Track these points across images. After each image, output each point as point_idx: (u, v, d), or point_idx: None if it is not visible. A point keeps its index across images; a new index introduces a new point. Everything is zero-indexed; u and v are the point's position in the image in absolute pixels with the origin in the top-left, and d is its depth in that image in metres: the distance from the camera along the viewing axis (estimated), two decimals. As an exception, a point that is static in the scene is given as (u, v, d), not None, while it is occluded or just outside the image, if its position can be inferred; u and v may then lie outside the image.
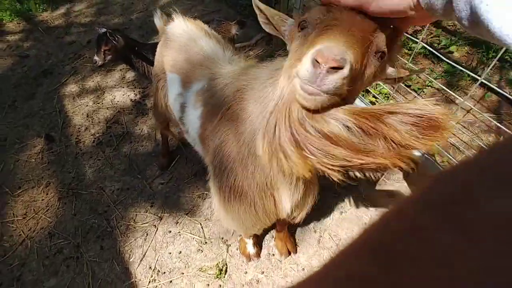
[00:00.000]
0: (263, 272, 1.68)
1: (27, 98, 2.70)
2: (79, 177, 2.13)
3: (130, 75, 2.78)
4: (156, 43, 2.05)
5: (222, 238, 1.80)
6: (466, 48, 2.59)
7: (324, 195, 1.94)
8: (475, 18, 0.47)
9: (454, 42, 2.59)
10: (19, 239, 1.88)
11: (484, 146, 1.90)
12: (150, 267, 1.72)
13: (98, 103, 2.60)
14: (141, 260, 1.75)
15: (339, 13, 0.64)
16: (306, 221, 1.83)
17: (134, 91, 2.64)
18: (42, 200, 2.04)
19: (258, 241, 1.74)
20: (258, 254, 1.72)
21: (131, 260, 1.76)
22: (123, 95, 2.64)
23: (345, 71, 0.57)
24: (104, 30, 2.01)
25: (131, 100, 2.59)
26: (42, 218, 1.96)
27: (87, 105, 2.59)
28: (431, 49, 1.73)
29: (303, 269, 1.68)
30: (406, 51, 2.58)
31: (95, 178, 2.12)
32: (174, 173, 2.10)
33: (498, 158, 0.16)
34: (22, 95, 2.73)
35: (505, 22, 0.43)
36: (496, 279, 0.12)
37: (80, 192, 2.05)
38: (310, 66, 0.58)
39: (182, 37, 1.45)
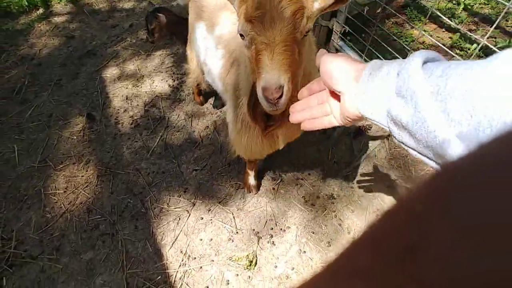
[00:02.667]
0: (293, 268, 1.65)
1: (72, 77, 2.81)
2: (117, 157, 2.20)
3: (169, 60, 2.81)
4: None
5: (254, 230, 1.79)
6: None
7: (360, 197, 1.88)
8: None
9: (513, 45, 2.40)
10: (59, 211, 1.96)
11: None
12: (181, 251, 1.75)
13: (137, 87, 2.65)
14: (173, 243, 1.78)
15: (262, 27, 0.80)
16: (340, 222, 1.78)
17: (172, 76, 2.67)
18: (82, 176, 2.12)
19: (258, 176, 1.94)
20: (257, 187, 1.93)
21: (163, 242, 1.79)
22: (162, 80, 2.67)
23: (285, 90, 0.81)
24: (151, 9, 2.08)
25: (169, 85, 2.62)
26: (81, 193, 2.04)
27: (126, 88, 2.65)
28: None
29: (335, 270, 1.64)
30: (459, 51, 2.42)
31: (132, 159, 2.17)
32: (209, 161, 2.11)
33: (502, 148, 0.16)
34: (67, 74, 2.83)
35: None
36: (495, 276, 0.12)
37: (118, 171, 2.11)
38: (266, 103, 0.84)
39: None
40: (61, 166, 2.19)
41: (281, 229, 1.78)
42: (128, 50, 3.00)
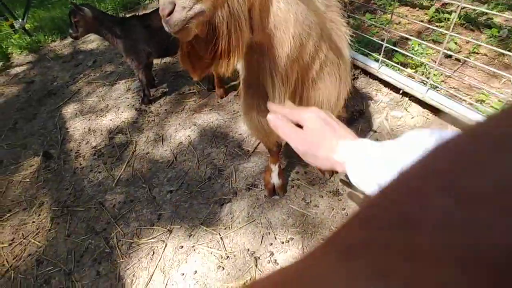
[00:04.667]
0: (306, 291, 1.24)
1: (29, 119, 2.52)
2: (76, 193, 1.83)
3: (136, 85, 2.58)
4: (123, 18, 2.18)
5: (248, 250, 1.40)
6: (506, 13, 2.26)
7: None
8: None
9: (492, 8, 2.27)
10: (1, 270, 1.54)
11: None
12: (157, 294, 1.32)
13: (102, 116, 2.37)
14: (146, 286, 1.36)
15: None
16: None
17: (139, 100, 2.41)
18: (33, 222, 1.73)
19: (283, 175, 1.55)
20: (283, 188, 1.53)
21: (134, 286, 1.37)
22: (128, 105, 2.41)
23: (177, 14, 0.64)
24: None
25: (136, 109, 2.35)
26: (30, 243, 1.63)
27: (89, 120, 2.37)
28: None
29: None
30: (441, 24, 2.27)
31: (94, 193, 1.80)
32: (185, 178, 1.77)
33: (496, 124, 0.16)
34: (24, 117, 2.55)
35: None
36: (487, 244, 0.11)
37: (76, 209, 1.73)
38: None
39: None
40: (8, 215, 1.80)
41: (283, 242, 1.40)
42: (91, 84, 2.77)
